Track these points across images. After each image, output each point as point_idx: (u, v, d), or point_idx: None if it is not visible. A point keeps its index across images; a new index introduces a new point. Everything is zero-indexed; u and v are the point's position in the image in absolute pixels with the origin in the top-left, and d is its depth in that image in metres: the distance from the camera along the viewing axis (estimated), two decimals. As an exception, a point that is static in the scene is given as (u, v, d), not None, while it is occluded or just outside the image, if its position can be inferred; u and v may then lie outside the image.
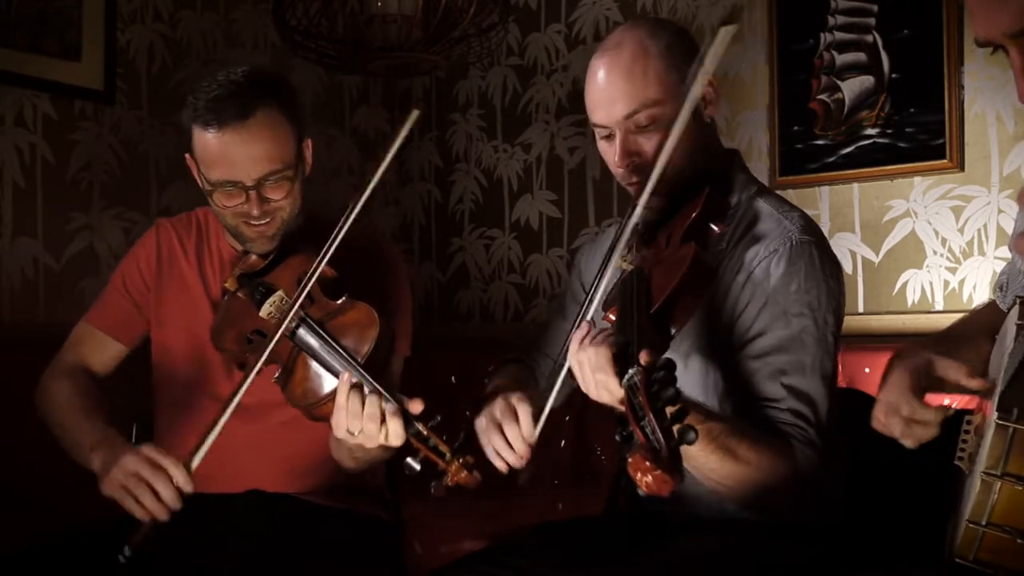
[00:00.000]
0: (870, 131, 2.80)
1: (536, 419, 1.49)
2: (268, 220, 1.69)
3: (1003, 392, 1.12)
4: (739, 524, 1.53)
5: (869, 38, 2.80)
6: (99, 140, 3.02)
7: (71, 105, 2.96)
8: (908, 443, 1.24)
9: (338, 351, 1.55)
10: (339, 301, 1.63)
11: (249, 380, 1.56)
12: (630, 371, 1.19)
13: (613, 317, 1.41)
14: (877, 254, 2.82)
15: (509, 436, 1.50)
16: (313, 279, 1.59)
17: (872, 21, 2.79)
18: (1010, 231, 2.47)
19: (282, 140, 1.67)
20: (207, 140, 1.64)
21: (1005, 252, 2.55)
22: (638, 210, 1.49)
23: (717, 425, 1.39)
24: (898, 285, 2.79)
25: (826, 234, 2.80)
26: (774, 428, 1.47)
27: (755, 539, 1.50)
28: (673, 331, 1.35)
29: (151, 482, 1.49)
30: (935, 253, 2.73)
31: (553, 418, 1.83)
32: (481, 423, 1.56)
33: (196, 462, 1.52)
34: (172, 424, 1.85)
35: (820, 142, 2.89)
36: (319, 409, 1.56)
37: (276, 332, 1.57)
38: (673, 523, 1.56)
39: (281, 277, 1.70)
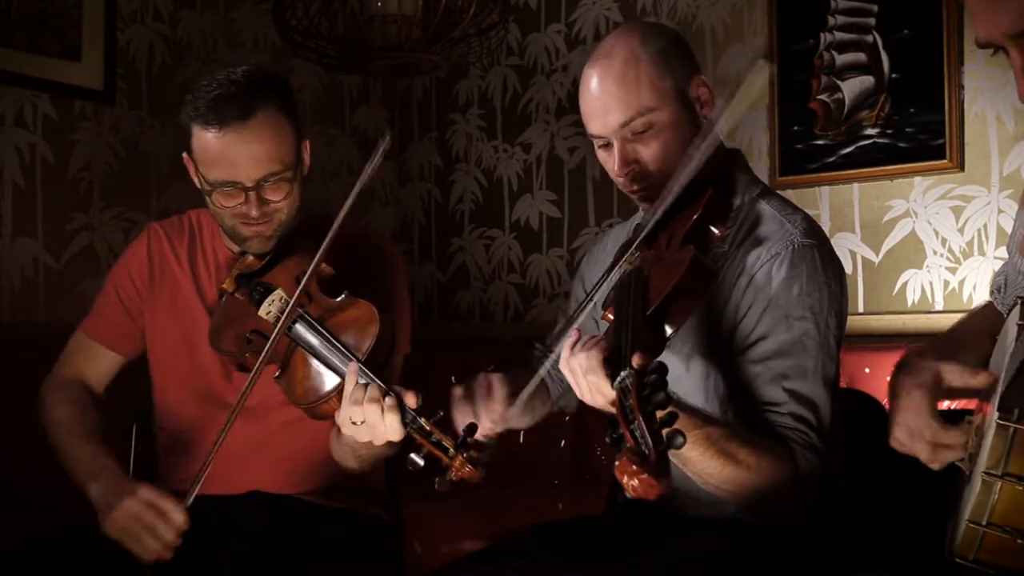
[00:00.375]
0: (870, 131, 2.80)
1: (510, 400, 1.52)
2: (266, 221, 1.69)
3: (1004, 392, 1.12)
4: (739, 524, 1.53)
5: (869, 38, 2.80)
6: (99, 140, 3.02)
7: (71, 105, 2.96)
8: (935, 466, 1.23)
9: (339, 348, 1.55)
10: (338, 299, 1.63)
11: (252, 383, 1.56)
12: (622, 373, 1.19)
13: (611, 316, 1.41)
14: (877, 254, 2.82)
15: (478, 408, 1.53)
16: (312, 277, 1.59)
17: (872, 21, 2.79)
18: (1010, 231, 2.47)
19: (282, 141, 1.67)
20: (207, 140, 1.64)
21: (1005, 252, 2.55)
22: (649, 226, 1.50)
23: (716, 429, 1.39)
24: (898, 285, 2.79)
25: (826, 234, 2.84)
26: (775, 432, 1.46)
27: (755, 539, 1.50)
28: (669, 332, 1.35)
29: (153, 526, 1.53)
30: (935, 253, 2.73)
31: (551, 418, 1.84)
32: (456, 392, 1.59)
33: (193, 496, 1.55)
34: (172, 429, 1.85)
35: (820, 142, 2.89)
36: (320, 408, 1.56)
37: (276, 330, 1.57)
38: (673, 523, 1.56)
39: (279, 277, 1.69)
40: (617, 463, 1.03)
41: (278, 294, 1.65)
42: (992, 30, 1.14)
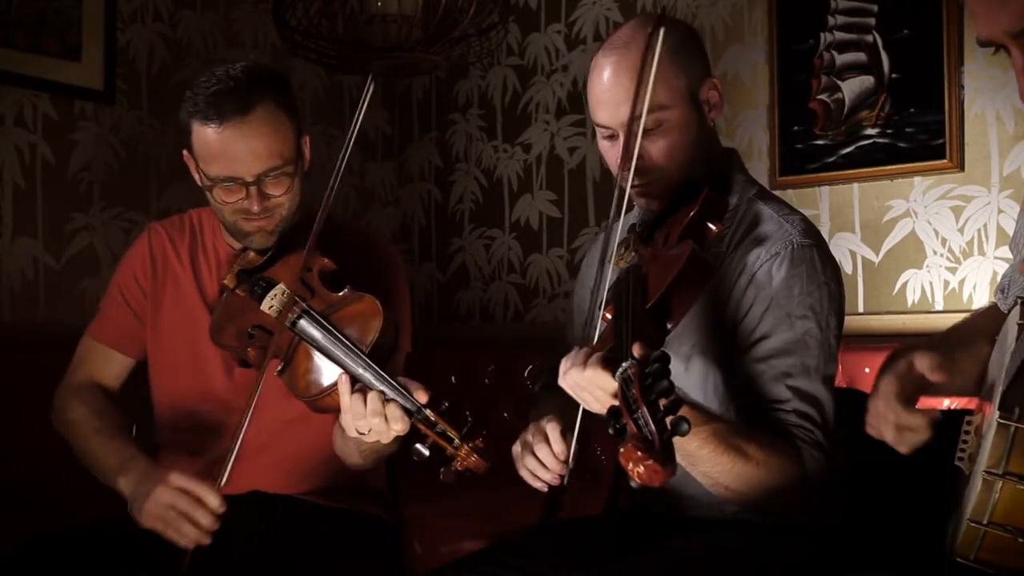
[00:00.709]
0: (870, 131, 2.80)
1: (566, 436, 1.49)
2: (267, 216, 1.69)
3: (1004, 392, 1.12)
4: (739, 524, 1.53)
5: (869, 38, 2.80)
6: (99, 140, 3.02)
7: (71, 105, 2.96)
8: (902, 449, 1.25)
9: (342, 341, 1.55)
10: (341, 293, 1.63)
11: (262, 375, 1.57)
12: (624, 364, 1.18)
13: (610, 315, 1.41)
14: (877, 254, 2.82)
15: (540, 455, 1.50)
16: (313, 265, 1.60)
17: (872, 21, 2.79)
18: (1010, 231, 2.47)
19: (282, 136, 1.67)
20: (207, 135, 1.64)
21: (1005, 252, 2.55)
22: (631, 215, 1.49)
23: (723, 426, 1.39)
24: (898, 285, 2.79)
25: (826, 234, 2.85)
26: (780, 430, 1.46)
27: (755, 539, 1.50)
28: (669, 326, 1.34)
29: (190, 513, 1.53)
30: (935, 253, 2.73)
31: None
32: (516, 449, 1.57)
33: (224, 480, 1.56)
34: (173, 428, 1.85)
35: (820, 142, 2.89)
36: (322, 401, 1.56)
37: (279, 324, 1.58)
38: (673, 523, 1.56)
39: (280, 273, 1.70)
40: (622, 451, 1.03)
41: (280, 288, 1.66)
42: (993, 29, 1.14)
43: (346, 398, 1.48)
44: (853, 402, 1.66)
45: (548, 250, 3.54)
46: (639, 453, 1.01)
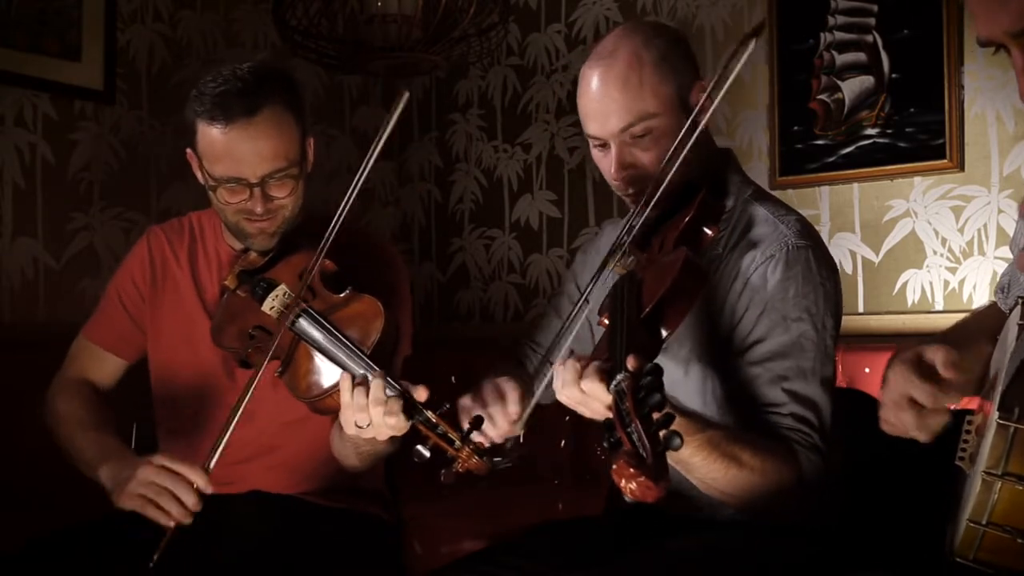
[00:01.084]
0: (870, 131, 2.80)
1: (523, 402, 1.49)
2: (270, 217, 1.69)
3: (1004, 392, 1.12)
4: (738, 524, 1.53)
5: (869, 38, 2.80)
6: (99, 140, 3.02)
7: (71, 105, 2.96)
8: (923, 436, 1.21)
9: (343, 342, 1.55)
10: (342, 294, 1.63)
11: (259, 373, 1.56)
12: (618, 376, 1.18)
13: (607, 322, 1.41)
14: (877, 254, 2.82)
15: (492, 412, 1.50)
16: (317, 269, 1.59)
17: (872, 21, 2.79)
18: (1010, 231, 2.47)
19: (288, 137, 1.67)
20: (213, 136, 1.63)
21: (1005, 252, 2.55)
22: (637, 227, 1.49)
23: (717, 433, 1.39)
24: (898, 285, 2.79)
25: (826, 234, 2.85)
26: (777, 433, 1.46)
27: (755, 539, 1.50)
28: (665, 334, 1.34)
29: (172, 489, 1.51)
30: (935, 253, 2.73)
31: (551, 417, 1.82)
32: (465, 401, 1.56)
33: (212, 464, 1.54)
34: (175, 430, 1.85)
35: (820, 142, 2.89)
36: (323, 402, 1.56)
37: (280, 325, 1.58)
38: (673, 523, 1.56)
39: (281, 274, 1.69)
40: (614, 467, 1.02)
41: (281, 289, 1.65)
42: (993, 29, 1.14)
43: (347, 395, 1.48)
44: (853, 402, 1.66)
45: (548, 250, 3.54)
46: (631, 470, 1.01)
